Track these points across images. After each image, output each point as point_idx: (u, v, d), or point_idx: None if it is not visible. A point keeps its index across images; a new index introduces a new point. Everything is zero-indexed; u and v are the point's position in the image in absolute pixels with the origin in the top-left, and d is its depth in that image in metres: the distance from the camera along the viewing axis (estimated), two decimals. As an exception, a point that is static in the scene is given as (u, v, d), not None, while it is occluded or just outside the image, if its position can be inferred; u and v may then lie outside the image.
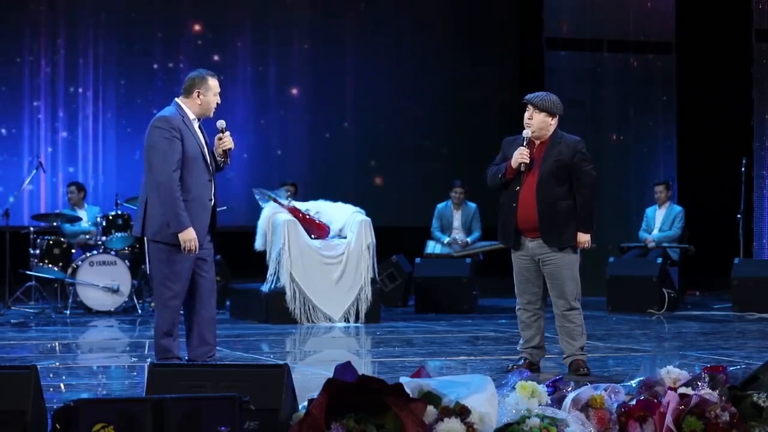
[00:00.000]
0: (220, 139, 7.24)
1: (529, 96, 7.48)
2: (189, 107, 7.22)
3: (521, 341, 7.61)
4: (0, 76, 15.73)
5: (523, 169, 7.37)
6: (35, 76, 15.80)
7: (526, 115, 7.42)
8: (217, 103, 7.27)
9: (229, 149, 7.27)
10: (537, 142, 7.45)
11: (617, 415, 4.88)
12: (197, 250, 7.05)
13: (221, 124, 7.25)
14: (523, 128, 7.46)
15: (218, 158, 7.29)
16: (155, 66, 16.13)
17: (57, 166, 15.62)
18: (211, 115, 7.29)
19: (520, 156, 7.35)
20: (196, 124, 7.24)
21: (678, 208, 13.96)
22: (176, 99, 7.28)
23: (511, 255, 7.60)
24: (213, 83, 7.24)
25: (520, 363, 7.46)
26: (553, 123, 7.43)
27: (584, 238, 7.41)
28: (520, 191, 7.41)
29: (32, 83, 15.78)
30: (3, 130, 15.75)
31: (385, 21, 17.01)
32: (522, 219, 7.41)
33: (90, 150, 16.01)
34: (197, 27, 16.37)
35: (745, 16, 15.41)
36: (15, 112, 15.76)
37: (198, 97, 7.21)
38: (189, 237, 7.01)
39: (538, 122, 7.40)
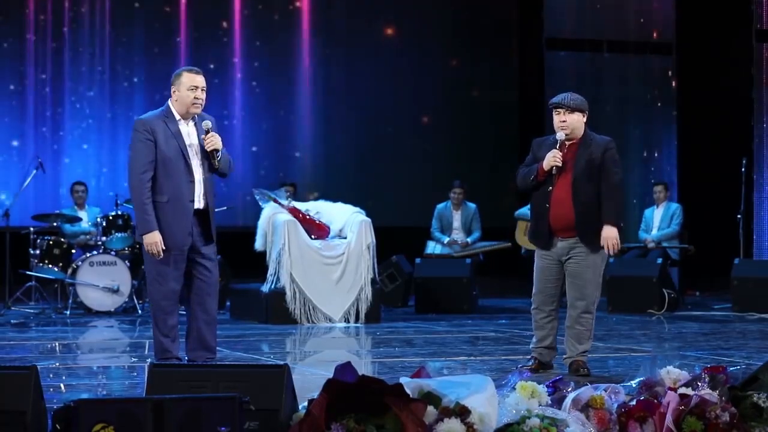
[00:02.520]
0: (206, 139, 7.21)
1: (556, 99, 7.41)
2: (174, 107, 7.22)
3: (534, 340, 7.53)
4: (0, 76, 15.73)
5: (554, 171, 7.33)
6: (36, 75, 15.79)
7: (558, 118, 7.35)
8: (196, 98, 7.13)
9: (216, 150, 7.20)
10: (567, 143, 7.40)
11: (617, 415, 4.87)
12: (161, 254, 7.05)
13: (207, 124, 7.20)
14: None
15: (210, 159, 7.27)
16: (157, 66, 16.13)
17: (57, 166, 15.61)
18: (193, 110, 7.17)
19: (553, 159, 7.29)
20: (184, 124, 7.21)
21: (675, 205, 13.97)
22: (168, 99, 7.30)
23: (535, 254, 7.56)
24: (186, 78, 7.14)
25: (530, 364, 7.41)
26: (584, 121, 7.41)
27: (612, 233, 7.26)
28: (553, 191, 7.35)
29: (33, 83, 15.78)
30: (3, 131, 15.75)
31: (385, 21, 17.01)
32: (555, 218, 7.35)
33: (90, 150, 16.00)
34: (198, 27, 16.36)
35: (746, 17, 15.41)
36: (15, 113, 15.76)
37: (174, 94, 7.20)
38: (151, 240, 7.04)
39: (573, 122, 7.34)
